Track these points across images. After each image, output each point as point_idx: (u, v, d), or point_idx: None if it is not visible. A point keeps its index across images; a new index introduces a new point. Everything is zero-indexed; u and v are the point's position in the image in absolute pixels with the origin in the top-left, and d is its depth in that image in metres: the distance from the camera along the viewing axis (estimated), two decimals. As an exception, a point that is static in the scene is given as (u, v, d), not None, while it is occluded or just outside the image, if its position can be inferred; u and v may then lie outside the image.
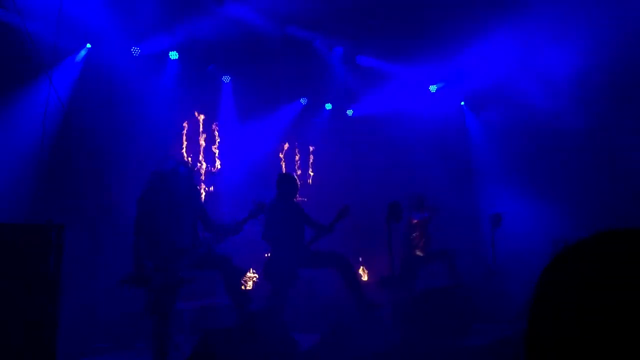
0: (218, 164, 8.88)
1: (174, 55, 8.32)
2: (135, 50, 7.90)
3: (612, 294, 0.67)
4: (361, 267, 9.56)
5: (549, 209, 8.49)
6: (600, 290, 0.68)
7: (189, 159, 8.44)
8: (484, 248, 8.32)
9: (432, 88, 10.30)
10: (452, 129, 10.17)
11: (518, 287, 7.27)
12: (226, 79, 9.16)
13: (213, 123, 8.93)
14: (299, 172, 10.00)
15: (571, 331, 0.69)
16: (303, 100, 10.02)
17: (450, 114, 10.36)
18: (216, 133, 8.94)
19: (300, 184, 9.89)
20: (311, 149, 10.26)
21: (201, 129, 8.74)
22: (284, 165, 9.77)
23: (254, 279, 8.22)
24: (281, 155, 9.80)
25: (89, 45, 7.44)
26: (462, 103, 10.71)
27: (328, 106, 10.31)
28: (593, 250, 0.73)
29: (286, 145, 9.86)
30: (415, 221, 7.78)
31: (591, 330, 0.67)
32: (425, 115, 9.90)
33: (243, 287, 6.01)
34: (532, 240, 8.15)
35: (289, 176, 6.71)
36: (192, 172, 5.56)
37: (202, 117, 8.74)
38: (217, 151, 8.89)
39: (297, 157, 10.05)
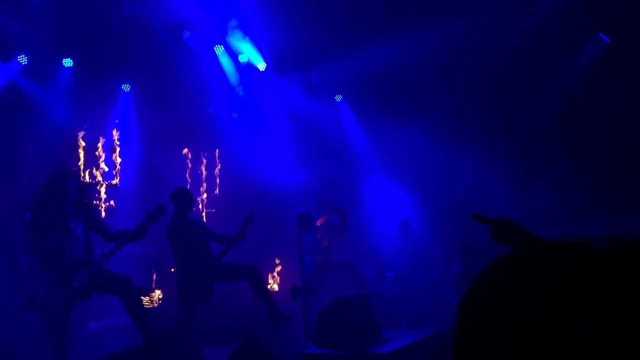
0: (117, 179, 8.49)
1: (68, 62, 7.87)
2: (22, 59, 7.41)
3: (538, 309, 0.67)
4: (272, 277, 9.47)
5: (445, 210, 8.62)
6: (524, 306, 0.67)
7: (85, 172, 8.03)
8: (392, 253, 8.48)
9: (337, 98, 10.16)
10: (328, 125, 9.90)
11: (427, 289, 7.48)
12: (126, 87, 8.76)
13: (113, 134, 8.54)
14: (204, 185, 9.77)
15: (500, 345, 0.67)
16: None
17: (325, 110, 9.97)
18: (116, 145, 8.56)
19: (205, 197, 9.71)
20: (218, 155, 10.04)
21: (100, 142, 8.33)
22: (188, 177, 9.51)
23: (158, 298, 7.94)
24: (187, 168, 9.53)
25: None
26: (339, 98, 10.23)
27: (234, 115, 10.10)
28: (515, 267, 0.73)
29: (189, 154, 9.58)
30: (319, 222, 7.66)
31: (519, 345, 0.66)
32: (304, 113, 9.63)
33: (144, 307, 5.79)
34: (437, 241, 8.34)
35: (182, 190, 6.52)
36: (81, 185, 5.29)
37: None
38: (118, 163, 8.52)
39: (203, 166, 9.81)
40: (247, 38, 8.74)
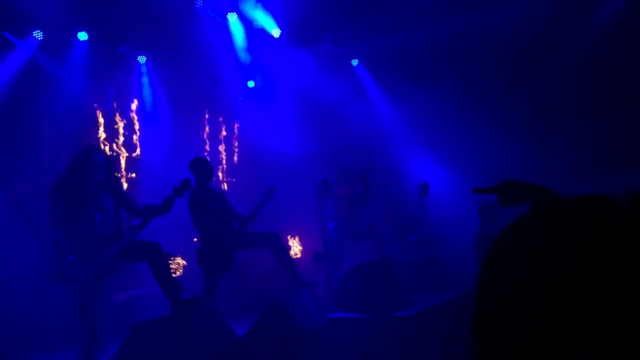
0: (138, 150, 8.55)
1: (83, 36, 7.85)
2: (38, 34, 7.40)
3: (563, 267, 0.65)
4: (294, 243, 9.54)
5: (467, 177, 8.60)
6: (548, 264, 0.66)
7: (106, 146, 8.08)
8: (414, 218, 8.46)
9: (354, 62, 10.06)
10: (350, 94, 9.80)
11: (449, 254, 7.48)
12: (142, 59, 8.73)
13: (130, 106, 8.56)
14: (223, 153, 9.79)
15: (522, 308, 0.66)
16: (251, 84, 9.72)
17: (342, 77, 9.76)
18: (134, 117, 8.59)
19: (225, 164, 9.74)
20: (236, 126, 10.06)
21: (117, 115, 8.36)
22: (208, 146, 9.53)
23: (182, 265, 8.05)
24: (205, 135, 9.55)
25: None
26: (355, 62, 9.99)
27: (251, 84, 10.04)
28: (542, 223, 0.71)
29: (207, 125, 9.58)
30: (341, 192, 7.69)
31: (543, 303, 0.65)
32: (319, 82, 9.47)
33: (173, 274, 5.87)
34: (457, 206, 8.31)
35: (200, 160, 6.44)
36: (108, 159, 5.31)
37: (115, 104, 8.33)
38: (137, 136, 8.56)
39: (222, 135, 9.83)
40: (259, 4, 8.63)
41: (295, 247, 9.52)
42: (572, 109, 8.41)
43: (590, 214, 0.68)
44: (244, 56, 9.13)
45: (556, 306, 0.63)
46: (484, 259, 0.74)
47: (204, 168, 6.29)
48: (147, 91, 8.81)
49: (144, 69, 8.76)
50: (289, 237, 9.40)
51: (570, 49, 8.43)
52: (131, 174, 8.35)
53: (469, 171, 8.30)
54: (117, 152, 8.25)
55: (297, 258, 8.98)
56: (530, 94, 8.54)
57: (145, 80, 8.78)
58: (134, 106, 8.62)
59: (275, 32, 8.98)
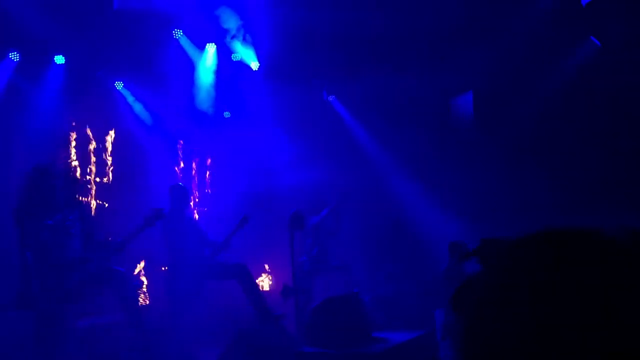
0: (109, 176, 8.46)
1: (60, 59, 7.83)
2: (14, 56, 7.36)
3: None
4: (264, 276, 9.47)
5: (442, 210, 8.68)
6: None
7: (77, 169, 7.99)
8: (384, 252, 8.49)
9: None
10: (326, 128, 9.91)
11: (416, 289, 7.50)
12: (119, 85, 8.72)
13: (107, 132, 8.50)
14: (195, 181, 9.75)
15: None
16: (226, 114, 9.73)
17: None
18: (109, 142, 8.52)
19: (197, 194, 9.69)
20: (209, 158, 10.04)
21: (92, 139, 8.29)
22: (180, 174, 9.49)
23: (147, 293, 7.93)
24: (179, 164, 9.51)
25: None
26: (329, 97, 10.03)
27: (226, 114, 10.06)
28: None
29: (180, 152, 9.55)
30: (311, 225, 7.69)
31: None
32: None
33: (140, 303, 5.78)
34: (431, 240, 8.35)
35: (180, 187, 6.53)
36: (71, 181, 5.27)
37: (88, 129, 8.27)
38: (110, 160, 8.48)
39: (193, 165, 9.79)
40: (241, 38, 8.72)
41: (266, 280, 9.44)
42: (544, 144, 8.57)
43: (589, 245, 0.67)
44: (208, 89, 9.12)
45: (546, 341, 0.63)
46: (469, 286, 0.74)
47: (183, 195, 6.34)
48: (122, 117, 8.77)
49: (120, 95, 8.74)
50: (262, 270, 9.33)
51: (542, 87, 8.65)
52: (103, 202, 8.24)
53: (445, 204, 8.42)
54: (88, 178, 8.16)
55: (266, 291, 8.89)
56: (503, 129, 8.70)
57: (121, 106, 8.76)
58: (110, 133, 8.56)
59: (254, 65, 9.07)
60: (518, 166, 8.48)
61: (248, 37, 8.62)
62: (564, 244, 0.68)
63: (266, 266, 9.44)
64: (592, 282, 0.64)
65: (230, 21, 8.29)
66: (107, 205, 8.24)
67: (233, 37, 8.50)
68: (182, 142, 9.59)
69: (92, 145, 8.29)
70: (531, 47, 8.26)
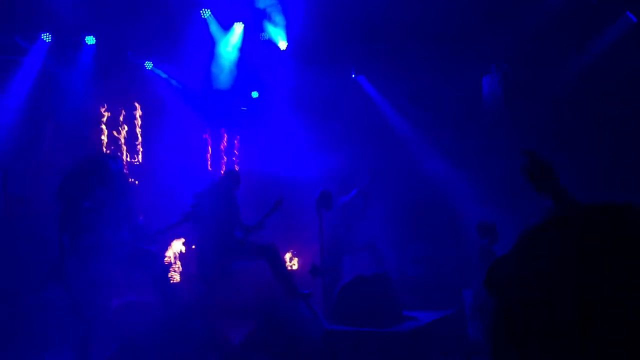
0: (141, 156, 8.56)
1: (90, 40, 7.90)
2: (47, 37, 7.45)
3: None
4: (291, 256, 9.52)
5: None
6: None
7: (108, 150, 8.10)
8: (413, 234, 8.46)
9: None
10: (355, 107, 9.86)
11: (445, 271, 7.48)
12: (148, 64, 8.77)
13: (135, 111, 8.58)
14: (224, 159, 9.80)
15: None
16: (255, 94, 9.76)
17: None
18: (138, 123, 8.61)
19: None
20: (237, 137, 10.08)
21: (122, 119, 8.39)
22: (209, 156, 9.55)
23: (179, 271, 8.03)
24: (209, 146, 9.56)
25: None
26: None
27: (254, 94, 10.06)
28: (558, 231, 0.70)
29: (209, 137, 9.61)
30: (340, 205, 7.70)
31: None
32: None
33: (171, 281, 5.87)
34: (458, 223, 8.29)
35: (236, 173, 6.77)
36: (121, 169, 5.36)
37: (122, 109, 8.37)
38: (140, 142, 8.57)
39: (223, 145, 9.84)
40: (272, 17, 8.69)
41: (294, 260, 9.50)
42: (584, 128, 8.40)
43: (623, 220, 0.67)
44: (230, 66, 9.10)
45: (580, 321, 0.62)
46: (503, 262, 0.73)
47: (237, 180, 6.49)
48: (151, 97, 8.84)
49: (150, 74, 8.81)
50: (289, 251, 9.38)
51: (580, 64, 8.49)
52: (133, 180, 8.36)
53: (474, 185, 8.34)
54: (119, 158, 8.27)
55: (294, 270, 8.94)
56: (537, 111, 8.56)
57: (151, 85, 8.82)
58: (138, 113, 8.64)
59: (282, 44, 9.03)
60: (548, 147, 8.33)
61: (279, 16, 8.58)
62: (594, 220, 0.68)
63: (293, 248, 9.48)
64: (625, 257, 0.63)
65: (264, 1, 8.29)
66: (137, 182, 8.34)
67: (265, 16, 8.49)
68: (209, 121, 9.64)
69: (123, 126, 8.38)
70: (563, 25, 8.08)
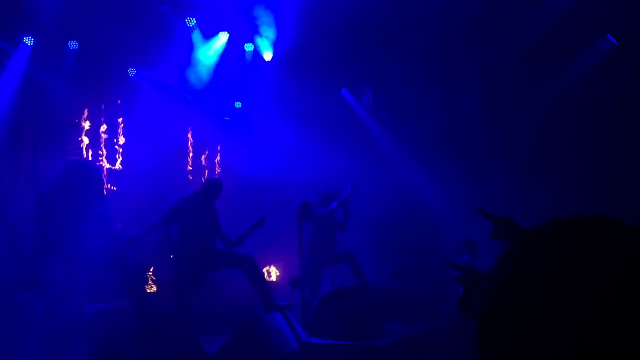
0: (119, 162, 8.47)
1: (73, 45, 7.83)
2: (29, 40, 7.37)
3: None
4: (270, 267, 9.46)
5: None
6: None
7: (88, 155, 8.01)
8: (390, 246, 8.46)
9: None
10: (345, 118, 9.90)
11: (423, 285, 7.47)
12: (131, 72, 8.71)
13: (118, 118, 8.52)
14: (205, 171, 9.75)
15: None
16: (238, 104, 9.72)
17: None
18: (120, 130, 8.54)
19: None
20: (219, 147, 10.03)
21: (103, 126, 8.30)
22: (190, 164, 9.48)
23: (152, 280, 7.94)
24: (189, 158, 9.50)
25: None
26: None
27: (237, 104, 10.04)
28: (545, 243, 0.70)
29: (190, 140, 9.54)
30: (320, 217, 7.65)
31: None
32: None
33: (147, 290, 5.79)
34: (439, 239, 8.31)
35: (218, 181, 6.58)
36: (100, 175, 5.33)
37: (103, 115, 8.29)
38: (120, 149, 8.50)
39: (203, 157, 9.79)
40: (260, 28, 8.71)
41: (273, 271, 9.43)
42: (548, 148, 8.51)
43: (609, 231, 0.67)
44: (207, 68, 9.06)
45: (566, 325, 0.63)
46: (498, 266, 0.73)
47: (218, 189, 6.36)
48: (134, 103, 8.77)
49: (132, 81, 8.74)
50: (270, 261, 9.32)
51: (549, 88, 8.60)
52: (112, 186, 8.26)
53: (454, 201, 8.37)
54: (99, 164, 8.18)
55: (273, 282, 8.89)
56: (518, 130, 8.65)
57: (133, 92, 8.75)
58: (119, 119, 8.57)
59: (267, 55, 9.04)
60: (529, 166, 8.43)
61: (266, 28, 8.61)
62: (582, 232, 0.68)
63: (273, 259, 9.43)
64: (611, 271, 0.63)
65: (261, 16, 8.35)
66: (115, 189, 8.25)
67: (252, 27, 8.52)
68: (191, 129, 9.59)
69: (104, 131, 8.30)
70: (544, 46, 8.22)
